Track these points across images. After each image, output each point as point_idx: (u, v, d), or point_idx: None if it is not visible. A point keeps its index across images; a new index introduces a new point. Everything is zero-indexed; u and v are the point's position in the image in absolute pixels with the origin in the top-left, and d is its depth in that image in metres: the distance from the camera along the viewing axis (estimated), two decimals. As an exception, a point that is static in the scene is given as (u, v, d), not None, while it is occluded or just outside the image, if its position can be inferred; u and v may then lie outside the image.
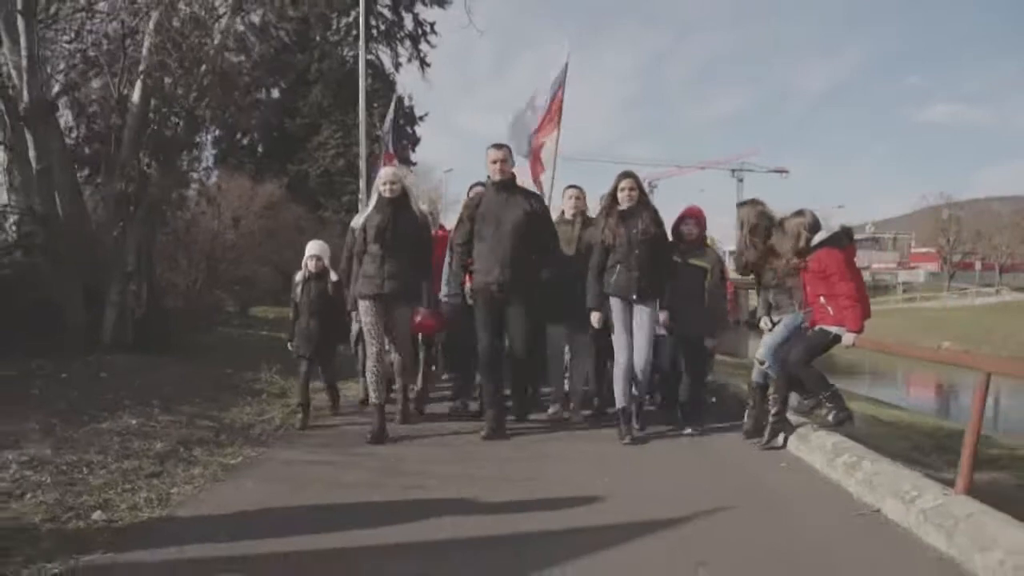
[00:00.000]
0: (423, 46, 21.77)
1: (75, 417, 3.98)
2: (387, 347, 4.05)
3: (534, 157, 5.77)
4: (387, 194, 3.90)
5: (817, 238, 3.54)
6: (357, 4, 13.74)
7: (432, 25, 21.59)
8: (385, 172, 4.05)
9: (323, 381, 4.63)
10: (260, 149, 20.68)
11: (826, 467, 3.14)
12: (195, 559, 2.21)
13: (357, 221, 4.15)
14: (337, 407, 4.62)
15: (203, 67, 5.87)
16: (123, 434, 3.71)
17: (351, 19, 20.64)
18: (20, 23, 4.95)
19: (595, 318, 3.89)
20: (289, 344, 4.51)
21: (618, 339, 3.89)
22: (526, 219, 3.86)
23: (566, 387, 4.54)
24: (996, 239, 45.46)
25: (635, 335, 3.84)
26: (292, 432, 4.09)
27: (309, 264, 4.35)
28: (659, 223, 3.96)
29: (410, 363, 4.30)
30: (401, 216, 3.87)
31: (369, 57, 18.41)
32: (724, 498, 2.82)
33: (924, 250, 52.77)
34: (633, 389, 3.91)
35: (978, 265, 48.69)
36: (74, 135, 7.04)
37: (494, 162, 3.95)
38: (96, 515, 2.60)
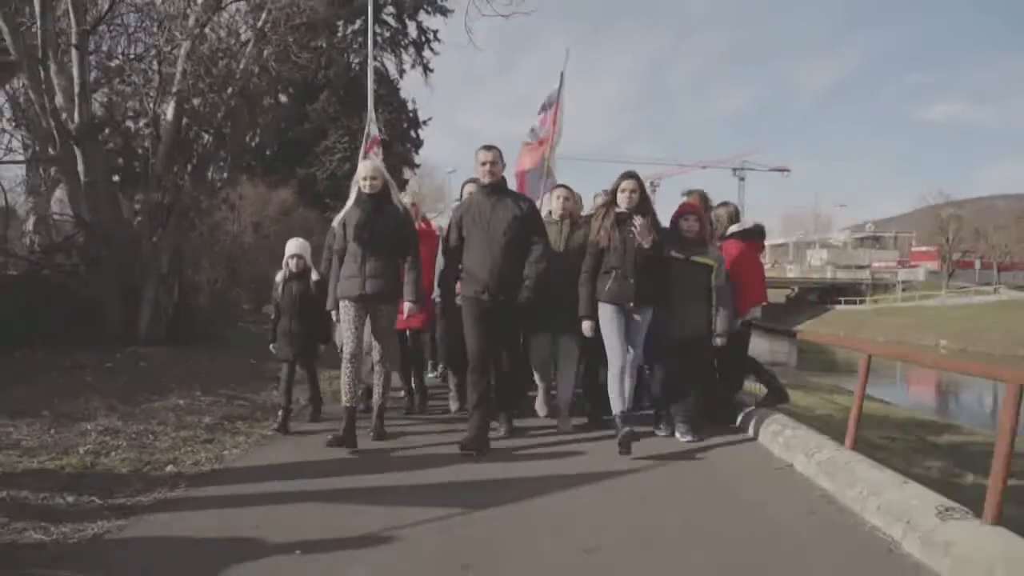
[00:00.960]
0: (426, 53, 22.40)
1: (131, 398, 4.67)
2: (371, 352, 3.98)
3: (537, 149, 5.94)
4: (367, 190, 3.69)
5: (731, 229, 4.15)
6: (363, 12, 14.46)
7: (435, 33, 22.24)
8: (365, 166, 3.81)
9: (307, 385, 4.47)
10: (268, 152, 21.40)
11: (759, 435, 3.80)
12: (253, 493, 2.90)
13: (338, 218, 3.92)
14: (319, 413, 4.43)
15: (230, 89, 6.55)
16: (175, 411, 4.40)
17: (356, 27, 21.33)
18: (74, 55, 5.63)
19: (586, 327, 3.72)
20: (271, 346, 4.35)
21: (611, 345, 3.68)
22: (516, 223, 3.69)
23: (548, 394, 4.40)
24: (994, 238, 45.78)
25: (630, 341, 3.69)
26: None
27: (290, 264, 4.18)
28: (659, 228, 3.79)
29: (393, 366, 4.17)
30: (382, 212, 3.67)
31: (374, 63, 19.16)
32: (671, 459, 3.50)
33: (924, 249, 53.08)
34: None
35: (978, 264, 49.03)
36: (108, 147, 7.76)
37: (483, 163, 3.77)
38: (168, 468, 3.29)
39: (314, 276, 4.27)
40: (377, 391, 3.84)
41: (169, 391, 4.97)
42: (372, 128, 6.89)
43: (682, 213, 3.93)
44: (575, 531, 2.49)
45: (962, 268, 49.06)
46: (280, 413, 4.16)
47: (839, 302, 43.78)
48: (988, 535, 2.02)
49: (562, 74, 6.11)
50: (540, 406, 4.47)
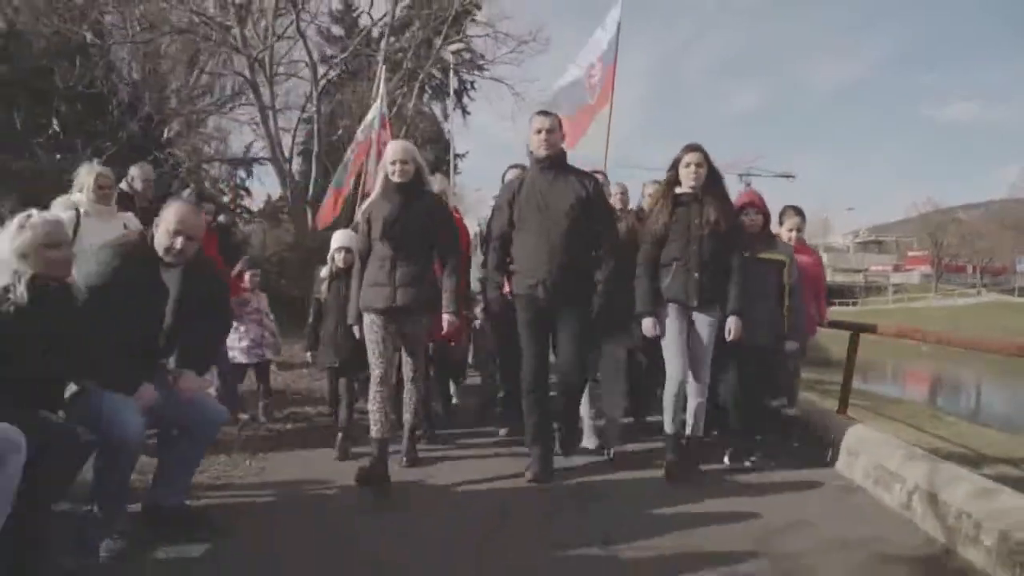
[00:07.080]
0: (465, 100, 27.50)
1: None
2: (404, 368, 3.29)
3: (577, 122, 5.02)
4: (397, 177, 3.04)
5: None
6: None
7: (472, 83, 27.28)
8: (394, 148, 3.10)
9: (343, 407, 3.60)
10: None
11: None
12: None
13: (362, 210, 3.36)
14: (349, 448, 3.47)
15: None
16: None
17: (403, 73, 26.41)
18: (314, 160, 10.73)
19: (647, 325, 3.19)
20: (308, 354, 3.79)
21: (671, 352, 3.18)
22: (579, 205, 3.08)
23: (595, 418, 3.72)
24: (978, 244, 48.93)
25: (693, 350, 3.17)
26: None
27: (337, 258, 3.62)
28: (732, 212, 3.28)
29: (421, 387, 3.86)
30: (415, 205, 3.05)
31: (424, 110, 24.28)
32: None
33: (918, 253, 55.96)
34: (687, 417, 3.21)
35: (969, 268, 52.05)
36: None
37: (539, 131, 3.12)
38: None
39: None
40: (409, 411, 3.34)
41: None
42: (376, 122, 5.82)
43: (741, 207, 3.47)
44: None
45: (956, 272, 51.87)
46: (341, 437, 3.47)
47: (832, 303, 46.91)
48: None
49: (618, 25, 4.90)
50: (588, 436, 3.72)
